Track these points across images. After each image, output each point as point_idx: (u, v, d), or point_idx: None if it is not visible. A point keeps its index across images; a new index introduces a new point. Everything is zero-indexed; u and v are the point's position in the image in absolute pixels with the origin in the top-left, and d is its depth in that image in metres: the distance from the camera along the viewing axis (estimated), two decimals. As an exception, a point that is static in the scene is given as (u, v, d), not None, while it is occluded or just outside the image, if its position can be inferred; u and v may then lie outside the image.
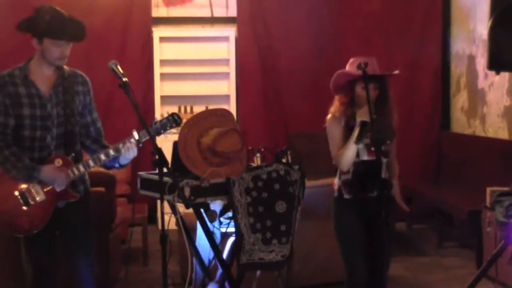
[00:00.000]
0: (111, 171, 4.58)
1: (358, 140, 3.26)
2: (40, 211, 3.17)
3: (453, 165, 6.84)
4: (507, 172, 5.27)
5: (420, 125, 7.29)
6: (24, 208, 3.15)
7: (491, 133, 6.31)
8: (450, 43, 7.29)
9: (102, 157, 3.20)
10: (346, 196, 3.38)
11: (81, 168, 3.19)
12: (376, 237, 3.33)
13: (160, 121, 3.28)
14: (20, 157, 3.14)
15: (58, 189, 3.17)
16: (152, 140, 3.14)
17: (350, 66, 3.42)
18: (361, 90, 3.33)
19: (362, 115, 3.26)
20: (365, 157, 3.33)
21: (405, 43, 7.19)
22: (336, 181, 3.45)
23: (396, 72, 3.45)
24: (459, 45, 7.08)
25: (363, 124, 3.26)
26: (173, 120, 3.29)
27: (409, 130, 7.19)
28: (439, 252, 5.91)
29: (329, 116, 3.45)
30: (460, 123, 7.09)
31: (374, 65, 3.39)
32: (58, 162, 3.18)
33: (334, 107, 3.44)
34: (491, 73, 5.88)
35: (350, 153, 3.30)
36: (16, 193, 3.15)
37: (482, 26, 6.36)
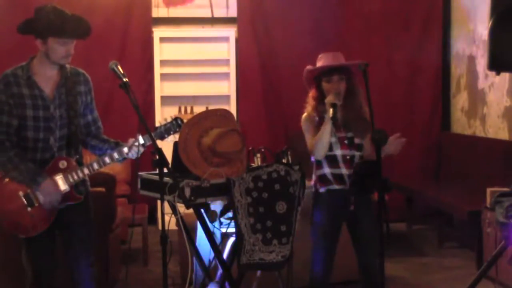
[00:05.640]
0: (111, 172, 4.61)
1: (333, 118, 3.32)
2: (44, 212, 3.16)
3: (453, 166, 6.84)
4: (507, 173, 5.28)
5: (420, 125, 7.30)
6: (28, 209, 3.15)
7: (491, 134, 6.31)
8: (450, 44, 7.29)
9: (107, 160, 3.21)
10: (321, 190, 3.49)
11: (86, 171, 3.20)
12: (336, 234, 3.48)
13: (165, 125, 3.32)
14: (24, 159, 3.13)
15: (45, 207, 3.15)
16: (153, 140, 3.15)
17: (318, 62, 3.51)
18: (326, 83, 3.46)
19: (331, 99, 3.36)
20: (338, 151, 3.42)
21: (405, 44, 7.19)
22: (313, 176, 3.55)
23: (358, 62, 3.31)
24: (459, 46, 7.08)
25: (334, 105, 3.34)
26: (177, 125, 3.34)
27: (409, 130, 7.19)
28: (439, 252, 5.90)
29: (304, 115, 3.56)
30: (460, 124, 7.09)
31: (340, 58, 3.49)
32: (63, 164, 3.18)
33: (308, 105, 3.56)
34: (491, 74, 5.88)
35: (325, 135, 3.36)
36: (21, 194, 3.15)
37: (482, 26, 6.36)
